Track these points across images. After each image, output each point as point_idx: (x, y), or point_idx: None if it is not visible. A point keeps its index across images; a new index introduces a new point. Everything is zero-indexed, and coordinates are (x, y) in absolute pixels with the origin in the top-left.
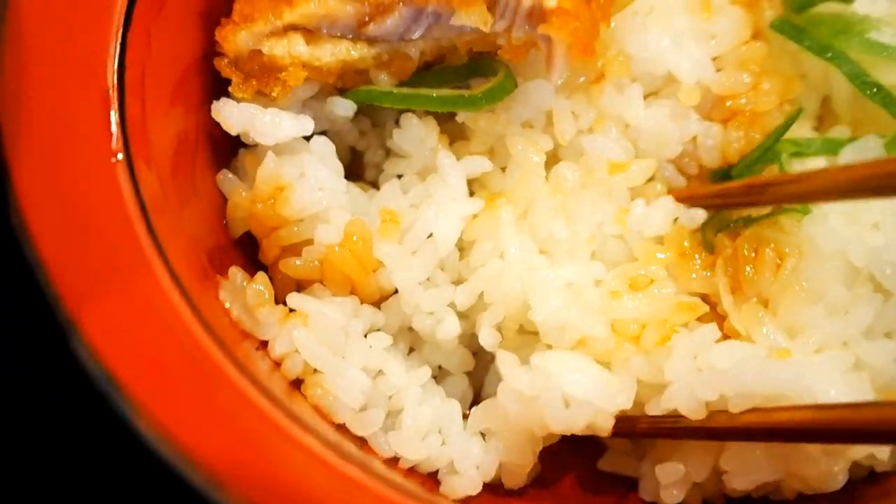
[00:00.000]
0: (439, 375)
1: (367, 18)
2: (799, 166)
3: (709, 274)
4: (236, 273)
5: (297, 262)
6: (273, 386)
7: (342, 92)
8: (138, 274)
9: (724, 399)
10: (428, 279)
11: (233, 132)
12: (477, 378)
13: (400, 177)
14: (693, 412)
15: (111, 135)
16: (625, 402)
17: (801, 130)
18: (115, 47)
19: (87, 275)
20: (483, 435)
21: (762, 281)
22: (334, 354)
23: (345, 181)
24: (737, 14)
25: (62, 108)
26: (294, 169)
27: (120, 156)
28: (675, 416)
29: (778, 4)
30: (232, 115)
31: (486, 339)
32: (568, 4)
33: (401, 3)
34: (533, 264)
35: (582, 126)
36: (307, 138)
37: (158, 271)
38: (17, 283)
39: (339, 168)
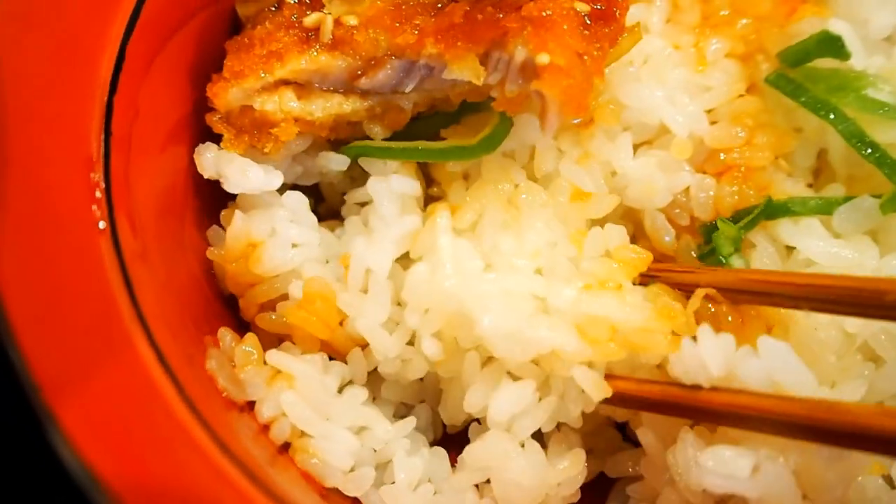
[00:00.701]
0: (403, 410)
1: (359, 72)
2: (793, 227)
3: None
4: (226, 335)
5: (272, 317)
6: (259, 461)
7: (335, 143)
8: (120, 356)
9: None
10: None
11: (205, 175)
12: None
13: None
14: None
15: (94, 204)
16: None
17: (796, 188)
18: (100, 113)
19: (67, 361)
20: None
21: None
22: (320, 416)
23: (318, 234)
24: (732, 67)
25: (44, 180)
26: (265, 226)
27: (102, 224)
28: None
29: (773, 58)
30: (209, 160)
31: (429, 349)
32: (561, 61)
33: (393, 57)
34: (467, 270)
35: (567, 163)
36: (281, 191)
37: (142, 349)
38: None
39: (313, 221)
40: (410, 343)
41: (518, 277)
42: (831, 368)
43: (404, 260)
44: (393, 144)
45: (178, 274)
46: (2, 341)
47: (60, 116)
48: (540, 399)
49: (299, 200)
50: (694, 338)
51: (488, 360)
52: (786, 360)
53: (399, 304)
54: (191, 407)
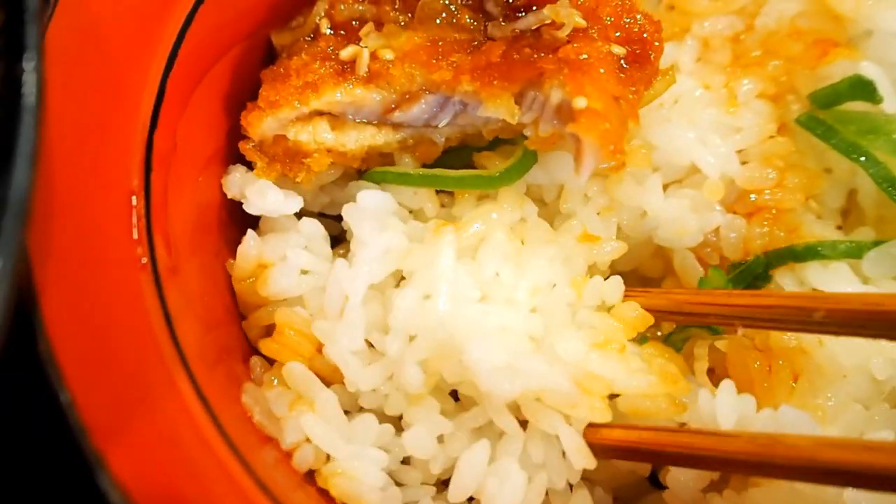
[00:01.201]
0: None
1: (392, 105)
2: (821, 271)
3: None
4: (256, 364)
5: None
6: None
7: (364, 174)
8: (164, 398)
9: None
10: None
11: (229, 194)
12: None
13: None
14: None
15: (135, 240)
16: None
17: (825, 230)
18: (141, 150)
19: (114, 404)
20: None
21: (779, 395)
22: (342, 438)
23: (329, 264)
24: (763, 108)
25: (88, 218)
26: (277, 249)
27: (144, 260)
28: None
29: (804, 99)
30: (235, 180)
31: (412, 376)
32: (598, 105)
33: (427, 92)
34: (464, 299)
35: (591, 209)
36: (299, 216)
37: (184, 390)
38: (44, 413)
39: (326, 251)
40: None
41: (516, 315)
42: (859, 417)
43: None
44: (412, 171)
45: (213, 307)
46: (49, 383)
47: (104, 155)
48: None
49: (315, 228)
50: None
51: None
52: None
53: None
54: (230, 445)
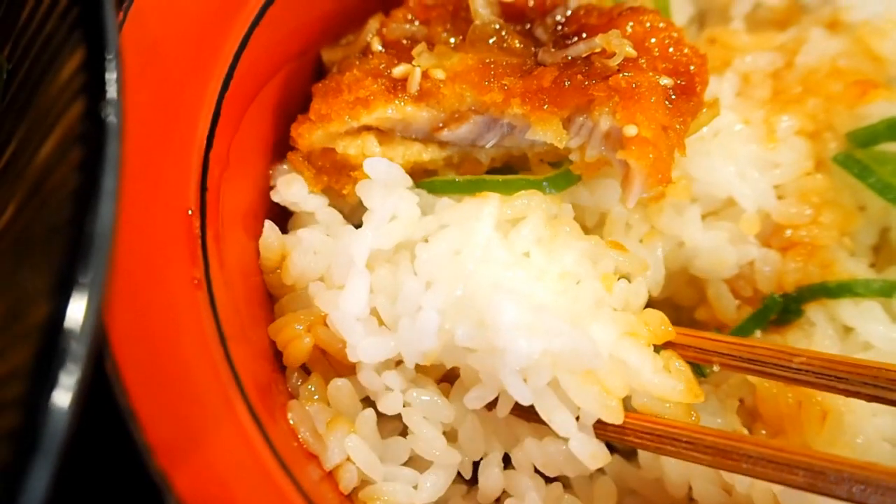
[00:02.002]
0: None
1: (441, 124)
2: (853, 308)
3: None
4: (291, 374)
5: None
6: None
7: None
8: (222, 418)
9: None
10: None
11: (271, 182)
12: None
13: None
14: None
15: (192, 259)
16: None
17: (858, 268)
18: (198, 169)
19: (176, 424)
20: None
21: (808, 432)
22: (378, 458)
23: None
24: (801, 145)
25: (150, 239)
26: (295, 238)
27: (199, 279)
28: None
29: (841, 137)
30: (280, 171)
31: (428, 322)
32: (648, 133)
33: (475, 113)
34: (496, 261)
35: (632, 237)
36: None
37: (239, 409)
38: (111, 434)
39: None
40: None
41: (543, 291)
42: (886, 456)
43: None
44: (459, 178)
45: (257, 322)
46: (117, 402)
47: (164, 175)
48: None
49: (333, 216)
50: None
51: None
52: None
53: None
54: (282, 465)
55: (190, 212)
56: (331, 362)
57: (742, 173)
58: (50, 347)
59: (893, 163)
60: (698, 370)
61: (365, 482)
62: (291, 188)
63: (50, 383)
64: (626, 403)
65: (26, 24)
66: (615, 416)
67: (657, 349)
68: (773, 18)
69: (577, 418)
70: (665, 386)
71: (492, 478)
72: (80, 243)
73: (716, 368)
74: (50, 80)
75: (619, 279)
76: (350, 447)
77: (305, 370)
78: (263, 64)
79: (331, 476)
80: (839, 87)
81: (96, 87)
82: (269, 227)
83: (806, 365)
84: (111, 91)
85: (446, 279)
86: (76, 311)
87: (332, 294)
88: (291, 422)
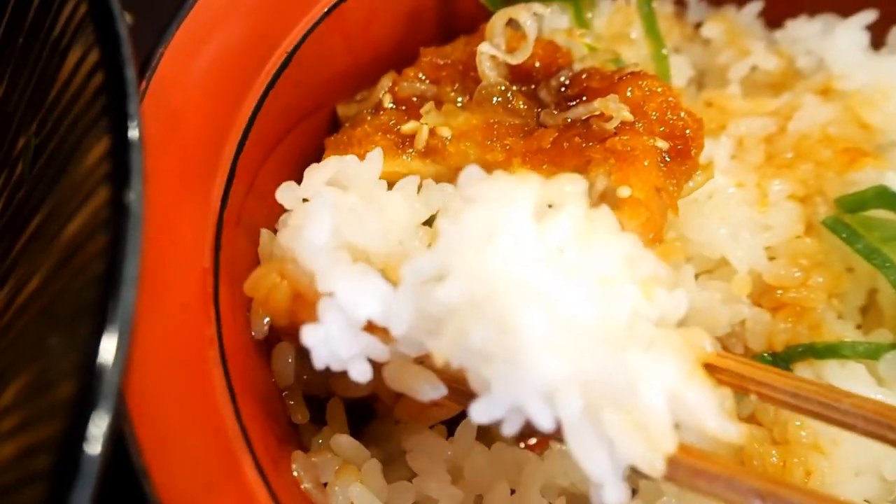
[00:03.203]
0: None
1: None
2: (839, 370)
3: None
4: (305, 430)
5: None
6: None
7: None
8: (229, 474)
9: None
10: None
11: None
12: None
13: None
14: None
15: (206, 317)
16: None
17: (845, 330)
18: (212, 229)
19: (186, 481)
20: None
21: None
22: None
23: None
24: (791, 209)
25: (164, 297)
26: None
27: (211, 334)
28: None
29: (831, 202)
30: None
31: (448, 295)
32: (640, 195)
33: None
34: (526, 254)
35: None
36: None
37: (246, 466)
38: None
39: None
40: None
41: (574, 297)
42: None
43: None
44: None
45: (265, 375)
46: (130, 460)
47: (180, 236)
48: None
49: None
50: None
51: None
52: None
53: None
54: None
55: (204, 272)
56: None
57: (735, 235)
58: (77, 426)
59: (881, 229)
60: None
61: None
62: (290, 193)
63: (76, 457)
64: None
65: (54, 103)
66: (655, 473)
67: None
68: (769, 82)
69: None
70: (729, 431)
71: None
72: (104, 326)
73: (753, 399)
74: (77, 161)
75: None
76: (354, 494)
77: (317, 424)
78: (278, 124)
79: None
80: (829, 154)
81: (121, 176)
82: (265, 234)
83: (855, 407)
84: (135, 181)
85: (469, 272)
86: (100, 389)
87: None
88: (295, 473)
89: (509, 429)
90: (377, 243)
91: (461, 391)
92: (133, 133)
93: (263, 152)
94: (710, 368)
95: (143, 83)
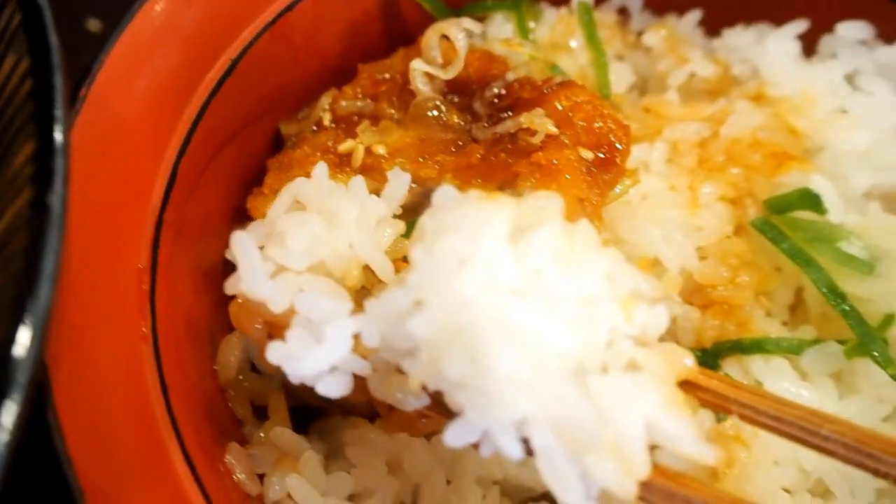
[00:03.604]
0: None
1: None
2: (764, 365)
3: None
4: (247, 425)
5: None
6: None
7: None
8: (156, 464)
9: None
10: None
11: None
12: None
13: None
14: None
15: (140, 313)
16: None
17: (772, 326)
18: (151, 228)
19: (110, 469)
20: None
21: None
22: (319, 493)
23: None
24: (722, 210)
25: (99, 292)
26: None
27: (145, 330)
28: None
29: (760, 204)
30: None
31: (419, 327)
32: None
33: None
34: (499, 286)
35: None
36: None
37: (174, 456)
38: (50, 477)
39: None
40: None
41: (551, 325)
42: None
43: None
44: None
45: (207, 373)
46: (54, 446)
47: (118, 233)
48: None
49: None
50: None
51: None
52: None
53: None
54: None
55: (141, 269)
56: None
57: (667, 236)
58: None
59: (805, 230)
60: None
61: None
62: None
63: None
64: None
65: None
66: (627, 496)
67: None
68: (706, 88)
69: None
70: (706, 455)
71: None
72: (20, 319)
73: (732, 420)
74: (7, 164)
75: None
76: (291, 485)
77: (260, 418)
78: (223, 129)
79: None
80: (758, 158)
81: (44, 179)
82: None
83: (836, 433)
84: (57, 183)
85: (441, 303)
86: (13, 380)
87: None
88: (228, 463)
89: (485, 451)
90: (333, 254)
91: (444, 404)
92: (58, 137)
93: (207, 157)
94: (691, 387)
95: (84, 90)
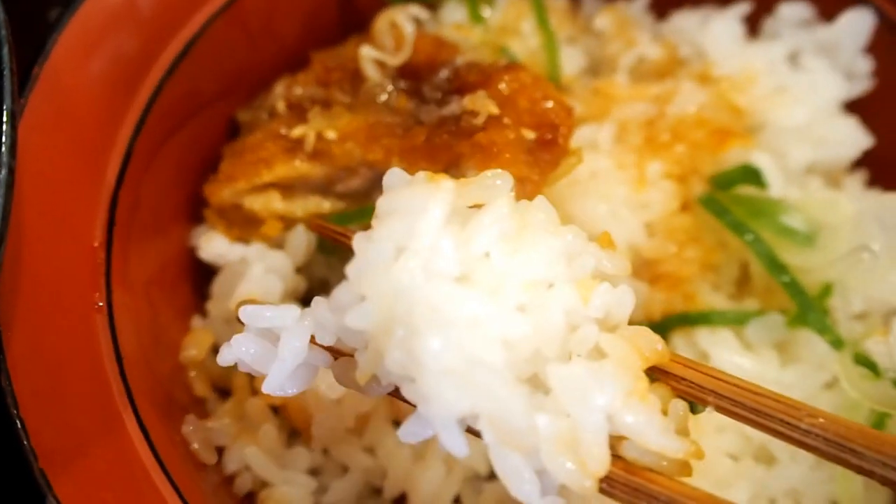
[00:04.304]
0: None
1: (335, 179)
2: (709, 336)
3: None
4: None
5: None
6: None
7: None
8: (110, 429)
9: None
10: None
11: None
12: None
13: None
14: None
15: (95, 286)
16: None
17: (718, 299)
18: (105, 205)
19: (63, 432)
20: None
21: None
22: (278, 465)
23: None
24: (668, 187)
25: (53, 265)
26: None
27: (101, 304)
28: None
29: (706, 181)
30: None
31: (394, 365)
32: None
33: (365, 168)
34: (438, 272)
35: None
36: None
37: (129, 424)
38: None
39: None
40: None
41: (497, 310)
42: (728, 469)
43: None
44: (348, 213)
45: (169, 351)
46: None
47: (72, 208)
48: None
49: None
50: None
51: None
52: None
53: None
54: (166, 473)
55: (96, 244)
56: None
57: (614, 212)
58: None
59: (747, 204)
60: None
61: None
62: (213, 243)
63: None
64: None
65: None
66: (586, 493)
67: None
68: (654, 70)
69: None
70: (671, 448)
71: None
72: None
73: (708, 410)
74: None
75: (600, 283)
76: (249, 456)
77: (223, 395)
78: (175, 112)
79: (226, 484)
80: (702, 135)
81: None
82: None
83: (818, 428)
84: (5, 149)
85: (379, 293)
86: None
87: None
88: (185, 434)
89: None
90: None
91: None
92: (6, 106)
93: (161, 137)
94: (663, 375)
95: (37, 68)
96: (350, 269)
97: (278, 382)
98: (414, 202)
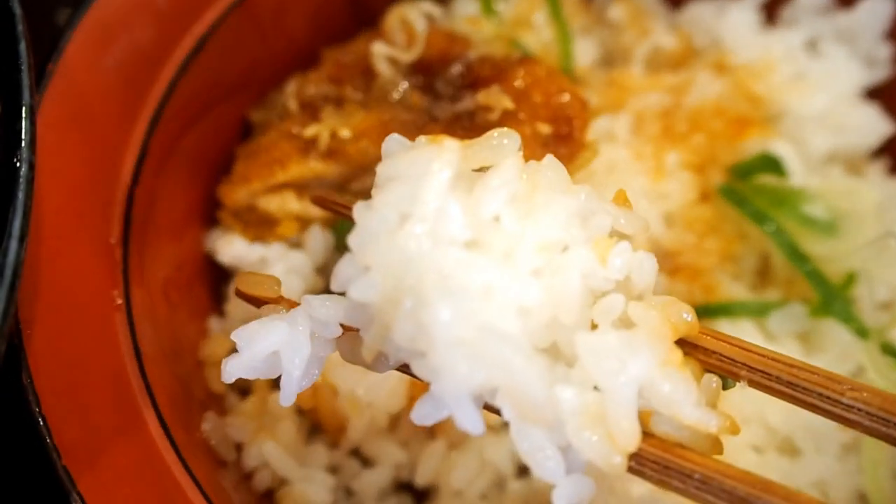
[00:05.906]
0: None
1: (350, 177)
2: (730, 328)
3: None
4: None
5: None
6: None
7: None
8: (131, 427)
9: None
10: None
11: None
12: None
13: None
14: None
15: (113, 283)
16: None
17: (738, 290)
18: (122, 203)
19: (85, 430)
20: None
21: None
22: (297, 462)
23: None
24: (687, 178)
25: (72, 263)
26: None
27: (119, 301)
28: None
29: (725, 170)
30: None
31: (362, 290)
32: None
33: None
34: (446, 237)
35: None
36: None
37: (149, 420)
38: (24, 440)
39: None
40: None
41: (510, 276)
42: (752, 462)
43: None
44: None
45: (188, 349)
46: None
47: (89, 207)
48: None
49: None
50: None
51: None
52: None
53: None
54: (188, 470)
55: (113, 243)
56: None
57: (634, 204)
58: None
59: (767, 194)
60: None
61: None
62: (232, 245)
63: None
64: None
65: None
66: (614, 470)
67: None
68: (669, 60)
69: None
70: (706, 421)
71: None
72: None
73: (741, 384)
74: None
75: (618, 242)
76: (267, 452)
77: (242, 392)
78: (189, 109)
79: (245, 480)
80: (721, 125)
81: (11, 141)
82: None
83: (861, 402)
84: (25, 144)
85: (383, 263)
86: None
87: None
88: (205, 431)
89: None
90: None
91: None
92: (25, 100)
93: (176, 134)
94: (692, 348)
95: (51, 64)
96: (352, 238)
97: (291, 391)
98: (416, 165)
